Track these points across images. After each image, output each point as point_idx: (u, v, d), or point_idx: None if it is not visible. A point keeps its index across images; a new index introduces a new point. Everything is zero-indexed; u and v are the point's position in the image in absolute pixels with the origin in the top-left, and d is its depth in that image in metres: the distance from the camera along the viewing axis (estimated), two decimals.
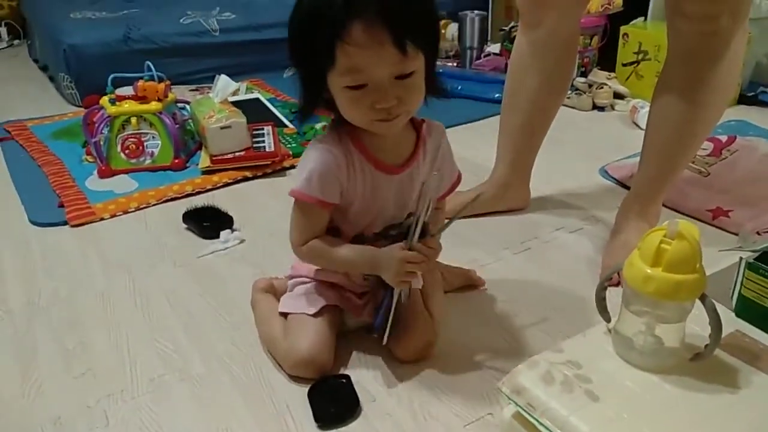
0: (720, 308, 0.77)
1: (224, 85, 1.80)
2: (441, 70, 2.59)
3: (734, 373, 0.69)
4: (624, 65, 2.24)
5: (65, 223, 1.45)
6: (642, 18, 2.29)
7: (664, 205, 1.33)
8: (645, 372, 0.69)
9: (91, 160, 1.73)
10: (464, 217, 1.40)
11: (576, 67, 2.21)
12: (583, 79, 2.21)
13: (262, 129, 1.80)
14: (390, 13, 0.75)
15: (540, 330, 1.06)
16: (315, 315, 0.97)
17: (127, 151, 1.67)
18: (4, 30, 3.36)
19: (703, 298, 0.67)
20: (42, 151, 1.83)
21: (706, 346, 0.68)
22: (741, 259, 0.77)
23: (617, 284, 1.03)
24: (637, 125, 1.95)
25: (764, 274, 0.74)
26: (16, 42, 3.38)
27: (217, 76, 1.85)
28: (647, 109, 1.94)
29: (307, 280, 1.02)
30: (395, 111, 0.82)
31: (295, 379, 0.95)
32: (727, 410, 0.65)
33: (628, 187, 1.55)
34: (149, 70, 1.71)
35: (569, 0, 1.22)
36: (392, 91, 0.80)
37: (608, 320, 0.75)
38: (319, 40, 0.78)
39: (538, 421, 0.65)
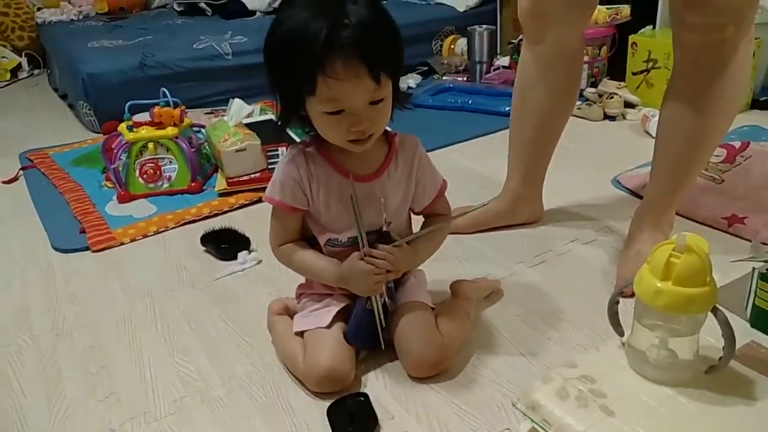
0: (735, 319, 0.78)
1: (238, 109, 1.83)
2: (451, 85, 2.65)
3: (750, 385, 0.69)
4: (634, 74, 2.24)
5: (87, 248, 1.48)
6: (650, 26, 2.29)
7: (678, 214, 1.33)
8: (660, 386, 0.69)
9: (110, 185, 1.77)
10: (477, 232, 1.43)
11: (582, 80, 2.22)
12: (593, 90, 2.22)
13: (277, 150, 1.83)
14: (366, 48, 0.82)
15: (556, 343, 1.06)
16: (329, 327, 1.00)
17: (145, 176, 1.71)
18: (24, 60, 3.45)
19: (714, 311, 0.67)
20: (63, 178, 1.87)
21: (720, 358, 0.68)
22: (754, 269, 0.77)
23: (632, 295, 1.03)
24: (649, 134, 1.95)
25: None
26: (36, 72, 3.46)
27: (231, 99, 1.88)
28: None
29: (311, 292, 1.06)
30: (368, 132, 0.90)
31: (315, 398, 0.97)
32: (743, 422, 0.65)
33: (641, 197, 1.55)
34: (164, 96, 1.75)
35: (570, 15, 1.23)
36: (366, 115, 0.87)
37: (621, 334, 0.75)
38: (300, 70, 0.83)
39: None
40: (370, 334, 1.03)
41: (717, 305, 0.67)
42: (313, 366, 0.97)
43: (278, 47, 0.86)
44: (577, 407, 0.67)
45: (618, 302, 0.75)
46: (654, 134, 1.95)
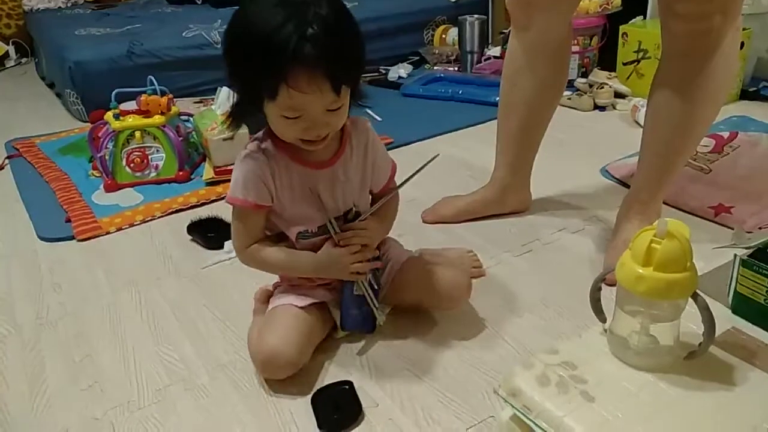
0: (716, 305, 0.78)
1: (225, 97, 1.81)
2: (442, 75, 2.64)
3: (730, 371, 0.69)
4: (624, 64, 2.24)
5: (72, 237, 1.47)
6: (641, 17, 2.29)
7: (665, 203, 1.33)
8: (641, 371, 0.69)
9: (97, 174, 1.76)
10: (465, 221, 1.43)
11: (572, 70, 2.22)
12: (583, 80, 2.22)
13: None
14: (330, 64, 0.82)
15: (542, 331, 1.07)
16: (303, 308, 1.00)
17: (132, 165, 1.70)
18: (12, 49, 3.41)
19: (695, 297, 0.67)
20: (49, 167, 1.86)
21: (700, 344, 0.68)
22: (735, 256, 0.77)
23: (614, 284, 1.03)
24: (639, 124, 1.95)
25: (758, 271, 0.74)
26: (24, 60, 3.43)
27: (218, 88, 1.87)
28: None
29: (290, 284, 1.06)
30: (323, 134, 0.90)
31: (300, 386, 0.96)
32: (723, 408, 0.65)
33: (629, 186, 1.55)
34: (151, 84, 1.74)
35: (558, 2, 1.23)
36: (323, 120, 0.88)
37: (603, 321, 0.75)
38: (264, 76, 0.83)
39: (534, 422, 0.66)
40: (362, 318, 1.04)
41: (698, 291, 0.67)
42: (258, 347, 0.97)
43: (241, 49, 0.85)
44: (557, 393, 0.67)
45: (600, 289, 0.75)
46: (643, 124, 1.96)
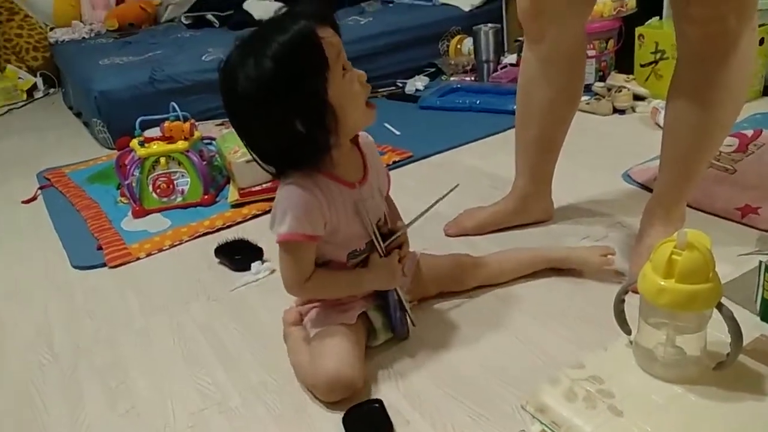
0: (744, 313, 0.78)
1: None
2: (459, 85, 2.64)
3: (760, 379, 0.69)
4: (642, 66, 2.22)
5: (104, 264, 1.51)
6: (657, 17, 2.27)
7: (690, 206, 1.32)
8: (668, 384, 0.69)
9: (125, 201, 1.80)
10: (489, 233, 1.43)
11: (590, 74, 2.21)
12: (601, 84, 2.21)
13: None
14: (328, 14, 0.91)
15: (570, 342, 1.06)
16: (343, 326, 1.02)
17: (158, 191, 1.74)
18: (39, 80, 3.51)
19: (719, 307, 0.67)
20: (79, 196, 1.91)
21: (728, 354, 0.68)
22: (761, 262, 0.76)
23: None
24: (659, 126, 1.92)
25: None
26: (51, 91, 3.53)
27: None
28: None
29: (319, 302, 1.08)
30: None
31: (330, 406, 0.98)
32: (753, 417, 0.65)
33: (652, 191, 1.54)
34: (174, 110, 1.78)
35: (570, 11, 1.23)
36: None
37: (628, 333, 0.75)
38: (312, 68, 0.87)
39: None
40: (403, 325, 1.08)
41: (722, 301, 0.67)
42: (317, 373, 0.98)
43: (277, 78, 0.86)
44: (585, 408, 0.67)
45: (624, 300, 0.75)
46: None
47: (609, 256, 1.21)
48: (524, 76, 1.35)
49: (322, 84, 0.88)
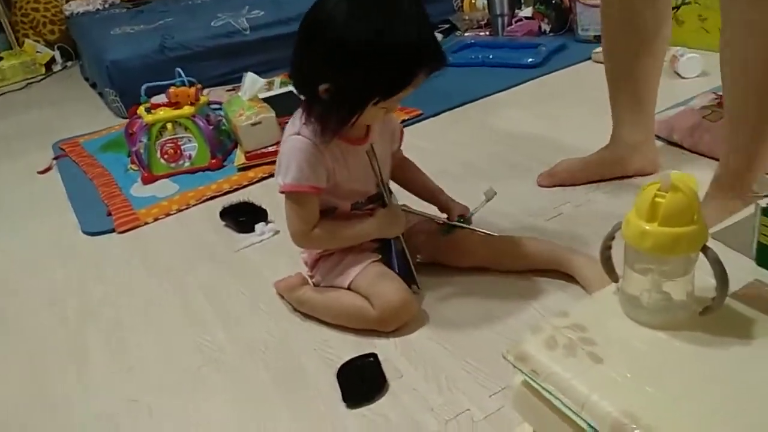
0: (740, 258, 0.74)
1: (251, 83, 1.84)
2: (473, 41, 2.58)
3: (750, 325, 0.66)
4: None
5: (113, 230, 1.54)
6: None
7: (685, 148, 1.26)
8: (653, 330, 0.67)
9: (135, 168, 1.82)
10: (598, 181, 1.36)
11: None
12: None
13: None
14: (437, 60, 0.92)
15: (572, 298, 1.04)
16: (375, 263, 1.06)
17: (166, 156, 1.75)
18: (57, 53, 3.55)
19: (704, 250, 0.64)
20: (92, 165, 1.94)
21: (713, 299, 0.65)
22: (757, 205, 0.73)
23: None
24: (678, 74, 1.86)
25: None
26: (69, 63, 3.57)
27: (244, 74, 1.89)
28: (689, 56, 1.86)
29: (329, 253, 1.09)
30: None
31: (326, 361, 0.99)
32: (740, 363, 0.62)
33: (671, 143, 1.47)
34: (179, 76, 1.77)
35: None
36: None
37: (616, 280, 0.73)
38: (401, 71, 0.89)
39: (542, 386, 0.65)
40: (406, 273, 1.09)
41: (707, 244, 0.64)
42: (384, 306, 1.00)
43: (369, 52, 0.86)
44: (565, 356, 0.65)
45: (610, 247, 0.72)
46: (684, 75, 1.87)
47: None
48: (606, 22, 1.30)
49: (381, 94, 0.90)
